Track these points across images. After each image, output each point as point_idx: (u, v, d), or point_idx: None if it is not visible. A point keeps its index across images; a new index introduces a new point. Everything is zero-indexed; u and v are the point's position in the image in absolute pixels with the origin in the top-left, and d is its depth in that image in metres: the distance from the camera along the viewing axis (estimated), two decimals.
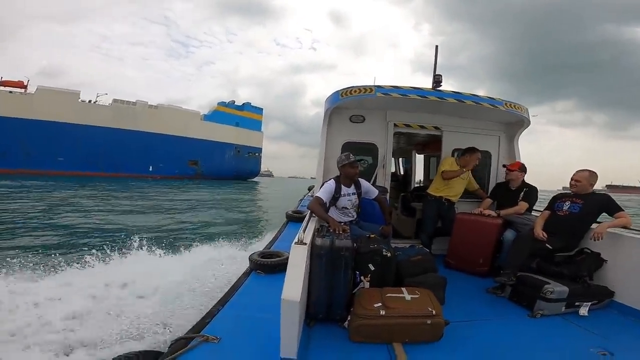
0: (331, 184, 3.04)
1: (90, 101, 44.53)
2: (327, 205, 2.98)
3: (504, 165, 4.07)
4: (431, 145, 5.71)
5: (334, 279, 2.14)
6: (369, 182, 3.56)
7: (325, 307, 2.19)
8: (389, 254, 2.41)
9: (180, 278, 3.70)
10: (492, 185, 4.42)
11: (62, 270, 4.27)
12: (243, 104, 62.32)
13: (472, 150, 3.96)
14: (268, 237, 5.23)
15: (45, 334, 2.80)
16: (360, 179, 3.22)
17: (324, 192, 2.96)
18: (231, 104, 60.89)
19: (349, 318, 2.12)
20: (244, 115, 61.16)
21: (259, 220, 12.76)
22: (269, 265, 2.88)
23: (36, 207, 12.87)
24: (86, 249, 5.99)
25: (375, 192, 3.29)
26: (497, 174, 4.49)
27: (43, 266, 4.49)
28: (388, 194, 4.10)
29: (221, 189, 32.64)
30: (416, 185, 6.75)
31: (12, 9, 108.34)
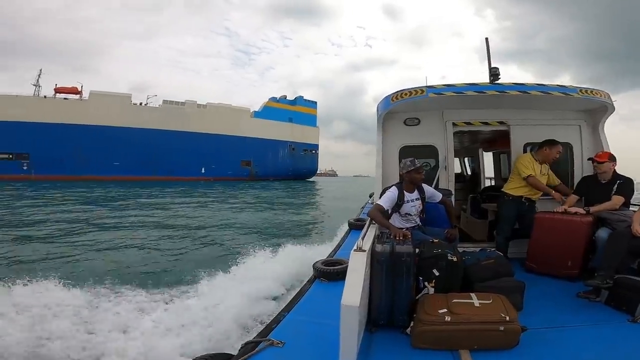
0: (393, 191, 2.96)
1: (141, 104, 43.05)
2: (389, 212, 2.91)
3: (589, 159, 3.61)
4: (499, 142, 5.45)
5: (395, 285, 2.12)
6: (431, 185, 3.50)
7: (387, 314, 2.17)
8: (454, 259, 2.36)
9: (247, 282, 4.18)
10: (576, 180, 3.96)
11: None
12: (295, 98, 57.35)
13: (551, 142, 3.67)
14: (329, 244, 5.40)
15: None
16: (422, 183, 3.11)
17: (385, 200, 2.89)
18: (283, 99, 56.25)
19: (411, 324, 2.09)
20: (297, 110, 56.07)
21: (320, 227, 11.58)
22: (332, 273, 2.90)
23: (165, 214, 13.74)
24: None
25: (439, 196, 3.17)
26: (582, 168, 4.07)
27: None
28: (453, 197, 3.89)
29: (273, 192, 27.88)
30: (487, 185, 6.10)
31: (102, 30, 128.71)
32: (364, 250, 1.92)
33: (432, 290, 2.30)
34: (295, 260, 4.98)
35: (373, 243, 2.17)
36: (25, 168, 36.89)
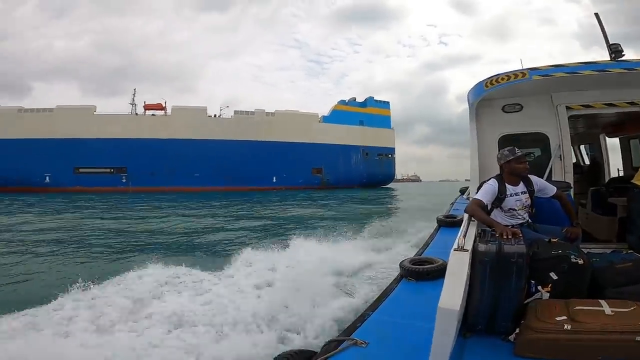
0: (492, 184, 2.66)
1: (215, 115, 45.33)
2: (489, 207, 2.64)
3: None
4: (628, 125, 4.82)
5: (500, 288, 1.93)
6: (541, 177, 3.11)
7: (487, 318, 2.01)
8: (580, 261, 2.09)
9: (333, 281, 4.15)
10: None
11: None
12: (365, 99, 53.86)
13: None
14: (410, 242, 5.67)
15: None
16: (530, 175, 2.76)
17: (483, 193, 2.61)
18: (352, 101, 53.35)
19: (516, 331, 1.93)
20: (368, 112, 52.38)
21: (402, 225, 10.01)
22: (421, 272, 2.70)
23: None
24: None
25: (552, 189, 2.80)
26: None
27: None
28: (572, 190, 3.56)
29: (343, 200, 24.88)
30: (614, 177, 5.47)
31: (193, 53, 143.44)
32: (466, 250, 1.81)
33: (546, 296, 2.08)
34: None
35: (474, 242, 2.01)
36: (123, 181, 41.35)
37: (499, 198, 2.63)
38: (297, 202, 23.01)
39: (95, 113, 41.91)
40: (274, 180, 45.64)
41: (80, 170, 40.41)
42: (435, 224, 4.70)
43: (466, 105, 4.02)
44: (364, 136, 51.33)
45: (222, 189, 40.94)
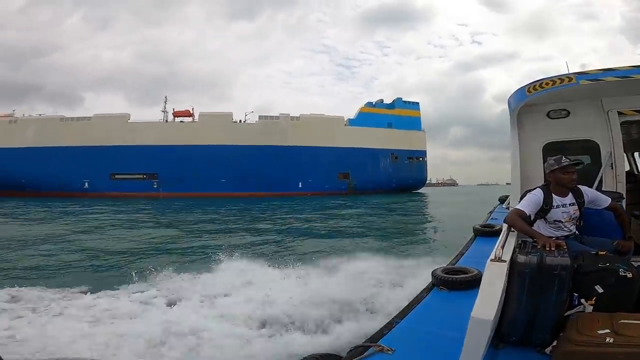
0: (537, 194, 2.56)
1: (240, 121, 45.53)
2: (532, 218, 2.53)
3: None
4: None
5: (540, 301, 1.91)
6: (590, 187, 2.98)
7: (522, 330, 1.98)
8: (629, 274, 2.00)
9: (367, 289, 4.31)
10: None
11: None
12: (393, 100, 51.77)
13: None
14: (443, 252, 5.71)
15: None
16: (580, 185, 2.66)
17: (527, 204, 2.50)
18: (379, 103, 51.52)
19: (553, 343, 1.93)
20: (396, 113, 50.28)
21: (434, 234, 11.18)
22: (455, 282, 2.61)
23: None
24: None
25: (606, 200, 2.65)
26: None
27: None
28: (624, 200, 3.33)
29: (367, 207, 23.60)
30: None
31: (227, 61, 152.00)
32: (504, 261, 1.79)
33: (589, 309, 2.03)
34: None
35: (513, 253, 1.96)
36: (155, 187, 42.61)
37: (544, 209, 2.54)
38: (316, 210, 21.94)
39: (129, 121, 43.69)
40: (300, 185, 44.93)
41: (116, 176, 42.17)
42: (471, 233, 4.55)
43: (505, 106, 3.88)
44: (392, 139, 49.26)
45: (248, 194, 40.79)
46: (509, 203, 4.70)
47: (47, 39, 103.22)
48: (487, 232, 4.21)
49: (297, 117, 46.53)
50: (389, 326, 2.09)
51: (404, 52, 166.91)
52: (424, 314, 2.28)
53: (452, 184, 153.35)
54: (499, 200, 7.16)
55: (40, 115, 45.74)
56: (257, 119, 45.88)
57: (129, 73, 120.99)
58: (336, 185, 46.09)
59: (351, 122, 48.53)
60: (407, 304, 2.45)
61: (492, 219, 5.43)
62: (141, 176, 42.58)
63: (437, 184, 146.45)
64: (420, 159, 51.52)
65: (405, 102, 51.80)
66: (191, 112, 45.46)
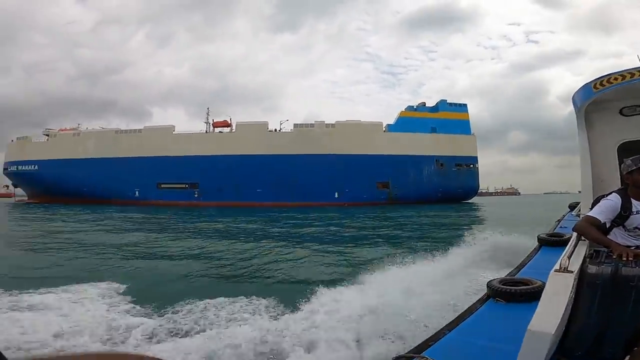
0: (614, 199, 2.35)
1: (275, 130, 45.37)
2: (608, 226, 2.34)
3: None
4: None
5: (613, 314, 1.84)
6: None
7: (590, 344, 1.90)
8: None
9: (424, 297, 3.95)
10: None
11: None
12: (437, 103, 47.75)
13: None
14: (500, 263, 5.17)
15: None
16: None
17: (601, 210, 2.33)
18: (421, 107, 47.87)
19: (626, 358, 1.86)
20: (440, 117, 46.30)
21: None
22: (513, 293, 2.43)
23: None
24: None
25: None
26: None
27: None
28: None
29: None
30: None
31: (274, 73, 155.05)
32: (571, 272, 1.72)
33: None
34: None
35: (583, 263, 1.92)
36: (196, 196, 44.17)
37: (622, 215, 2.34)
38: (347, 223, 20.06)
39: (174, 132, 46.06)
40: (336, 196, 43.28)
41: (162, 185, 44.55)
42: (534, 242, 4.24)
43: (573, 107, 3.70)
44: (437, 144, 45.34)
45: (283, 204, 40.15)
46: (579, 210, 4.49)
47: (118, 57, 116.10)
48: (553, 242, 3.86)
49: (332, 124, 45.05)
50: (436, 337, 1.98)
51: (451, 55, 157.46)
52: (476, 325, 2.12)
53: (513, 193, 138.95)
54: (569, 207, 6.74)
55: (102, 128, 50.54)
56: (292, 127, 45.33)
57: (187, 87, 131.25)
58: (375, 195, 43.54)
59: (390, 127, 45.69)
60: (457, 315, 2.29)
61: (560, 227, 5.00)
62: (184, 185, 44.43)
63: (495, 193, 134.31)
64: (471, 165, 46.65)
65: (450, 104, 47.48)
66: (229, 122, 46.50)
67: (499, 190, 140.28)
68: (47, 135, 47.44)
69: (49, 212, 28.36)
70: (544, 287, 1.79)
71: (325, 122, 45.25)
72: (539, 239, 4.12)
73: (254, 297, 4.90)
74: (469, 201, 47.00)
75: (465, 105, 48.08)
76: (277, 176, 42.63)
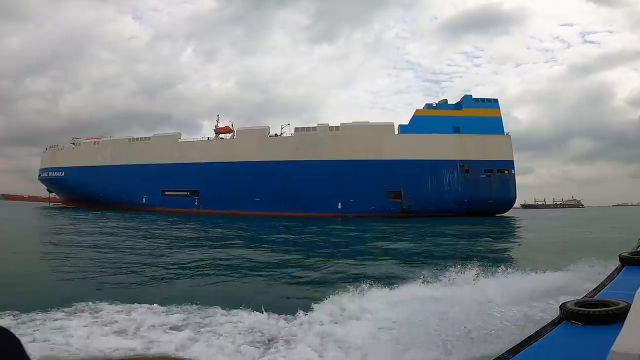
0: None
1: (276, 134, 42.49)
2: None
3: None
4: None
5: None
6: None
7: None
8: None
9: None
10: None
11: None
12: (461, 99, 40.70)
13: None
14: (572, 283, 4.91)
15: None
16: None
17: None
18: (442, 104, 41.22)
19: None
20: (465, 115, 39.23)
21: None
22: (592, 315, 2.16)
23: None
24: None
25: None
26: None
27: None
28: None
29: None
30: None
31: (315, 84, 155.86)
32: None
33: None
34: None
35: None
36: (196, 203, 43.12)
37: None
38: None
39: (179, 140, 45.92)
40: (339, 206, 38.75)
41: (166, 192, 44.42)
42: (616, 262, 3.88)
43: None
44: (461, 147, 38.46)
45: (281, 214, 36.96)
46: None
47: (171, 72, 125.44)
48: (637, 261, 3.49)
49: (336, 126, 40.75)
50: None
51: (498, 60, 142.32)
52: (546, 350, 1.95)
53: (576, 205, 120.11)
54: None
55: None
56: (293, 132, 42.04)
57: (234, 100, 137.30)
58: (385, 206, 38.10)
59: (403, 129, 39.83)
60: (524, 339, 2.09)
61: None
62: (185, 193, 43.72)
63: (555, 205, 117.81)
64: (505, 171, 38.62)
65: (477, 99, 40.09)
66: (231, 128, 44.94)
67: (558, 203, 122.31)
68: (73, 143, 50.81)
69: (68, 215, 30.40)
70: (629, 308, 1.69)
71: (330, 125, 41.16)
72: (621, 258, 3.75)
73: None
74: (505, 214, 38.77)
75: (495, 100, 40.27)
76: (276, 184, 39.60)
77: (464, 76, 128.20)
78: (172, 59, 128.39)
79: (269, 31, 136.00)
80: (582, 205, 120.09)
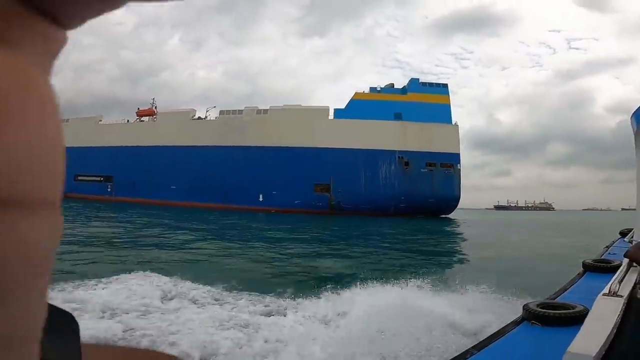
0: None
1: (199, 118, 38.09)
2: None
3: None
4: None
5: None
6: None
7: None
8: None
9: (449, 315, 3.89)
10: None
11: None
12: (407, 83, 36.09)
13: None
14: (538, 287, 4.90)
15: None
16: None
17: None
18: (387, 88, 36.60)
19: None
20: (410, 100, 34.53)
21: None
22: (552, 317, 2.27)
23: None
24: None
25: None
26: None
27: None
28: None
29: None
30: None
31: (304, 76, 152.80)
32: (620, 296, 1.73)
33: None
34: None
35: (633, 289, 1.92)
36: (109, 190, 38.63)
37: None
38: None
39: (100, 123, 41.77)
40: (261, 199, 33.95)
41: (79, 177, 40.03)
42: (579, 269, 3.88)
43: (622, 117, 3.76)
44: (401, 136, 33.79)
45: (198, 205, 32.49)
46: (632, 237, 4.50)
47: (155, 60, 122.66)
48: (600, 268, 3.56)
49: (265, 109, 36.30)
50: (462, 357, 1.92)
51: (486, 62, 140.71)
52: (507, 348, 2.03)
53: (547, 208, 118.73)
54: (620, 233, 6.10)
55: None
56: (218, 115, 37.61)
57: (220, 90, 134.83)
58: (311, 200, 33.31)
59: (337, 113, 35.23)
60: (487, 336, 2.18)
61: (609, 254, 4.59)
62: (98, 178, 39.27)
63: (526, 208, 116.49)
64: (450, 166, 33.56)
65: (424, 83, 35.53)
66: (155, 110, 40.72)
67: (530, 205, 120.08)
68: None
69: None
70: (587, 312, 1.76)
71: (258, 108, 36.72)
72: (584, 265, 3.74)
73: None
74: (449, 216, 33.47)
75: (445, 85, 35.84)
76: (194, 172, 35.16)
77: (452, 77, 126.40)
78: (157, 47, 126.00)
79: (259, 22, 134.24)
80: (553, 208, 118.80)
